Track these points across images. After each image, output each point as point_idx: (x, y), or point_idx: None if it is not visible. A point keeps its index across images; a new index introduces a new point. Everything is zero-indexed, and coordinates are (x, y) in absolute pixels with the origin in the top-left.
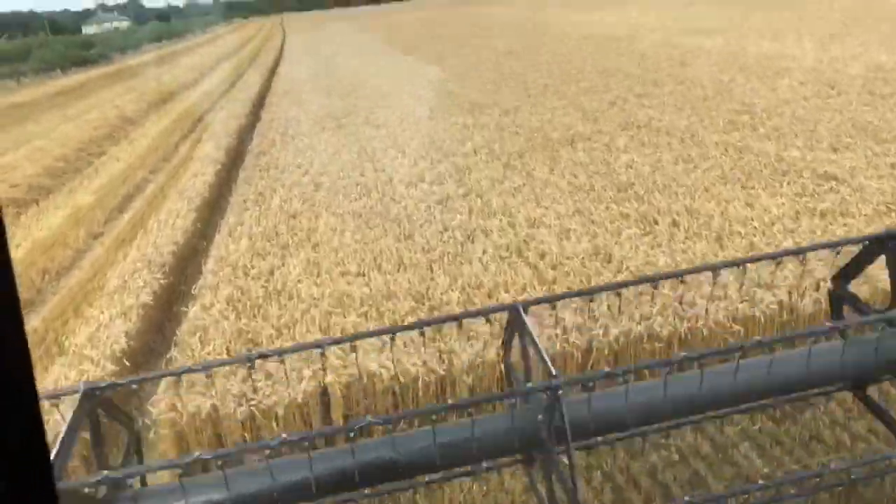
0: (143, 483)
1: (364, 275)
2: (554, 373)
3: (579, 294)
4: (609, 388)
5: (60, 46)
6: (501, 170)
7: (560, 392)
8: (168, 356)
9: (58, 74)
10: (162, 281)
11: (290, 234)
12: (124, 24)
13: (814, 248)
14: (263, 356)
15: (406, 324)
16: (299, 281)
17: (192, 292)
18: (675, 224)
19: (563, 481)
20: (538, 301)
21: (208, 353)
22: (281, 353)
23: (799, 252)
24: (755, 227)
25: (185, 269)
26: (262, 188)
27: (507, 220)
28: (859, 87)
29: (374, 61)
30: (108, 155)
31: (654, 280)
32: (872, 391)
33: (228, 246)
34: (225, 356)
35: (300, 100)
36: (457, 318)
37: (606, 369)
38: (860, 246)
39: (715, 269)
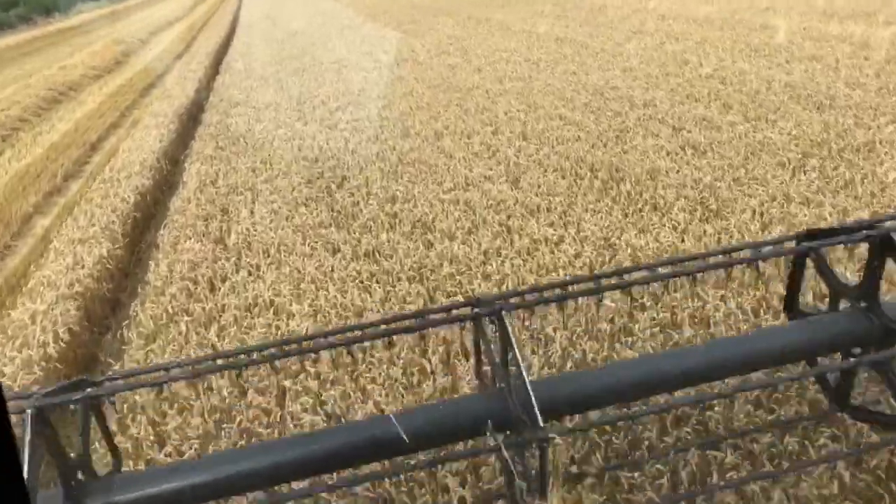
0: (118, 468)
1: None
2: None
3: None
4: (578, 370)
5: None
6: None
7: (504, 311)
8: None
9: None
10: None
11: None
12: None
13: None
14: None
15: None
16: None
17: None
18: None
19: (535, 459)
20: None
21: None
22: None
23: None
24: None
25: None
26: None
27: None
28: None
29: (360, 50)
30: None
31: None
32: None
33: None
34: None
35: (253, 132)
36: (416, 316)
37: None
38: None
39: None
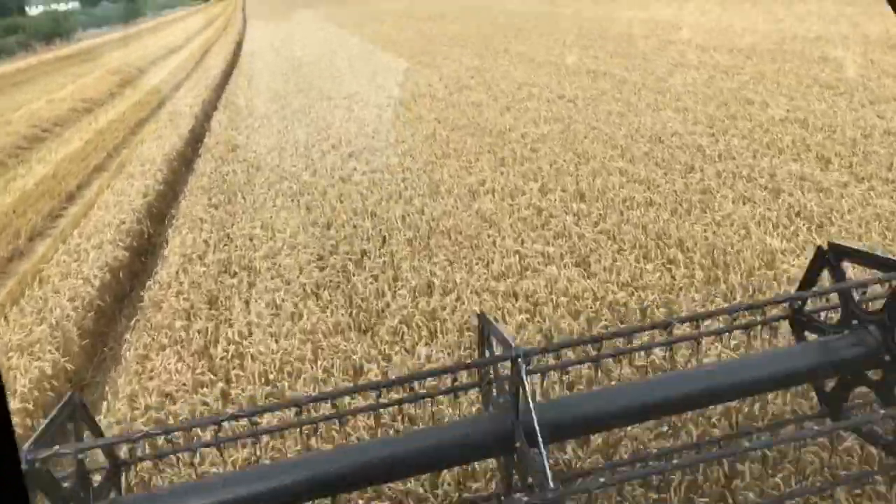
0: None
1: None
2: (513, 343)
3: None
4: (578, 392)
5: None
6: None
7: (520, 359)
8: None
9: None
10: None
11: None
12: (72, 5)
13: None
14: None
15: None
16: None
17: None
18: None
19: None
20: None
21: None
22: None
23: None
24: None
25: None
26: None
27: None
28: None
29: (372, 83)
30: None
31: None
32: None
33: None
34: None
35: (253, 186)
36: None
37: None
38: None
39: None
